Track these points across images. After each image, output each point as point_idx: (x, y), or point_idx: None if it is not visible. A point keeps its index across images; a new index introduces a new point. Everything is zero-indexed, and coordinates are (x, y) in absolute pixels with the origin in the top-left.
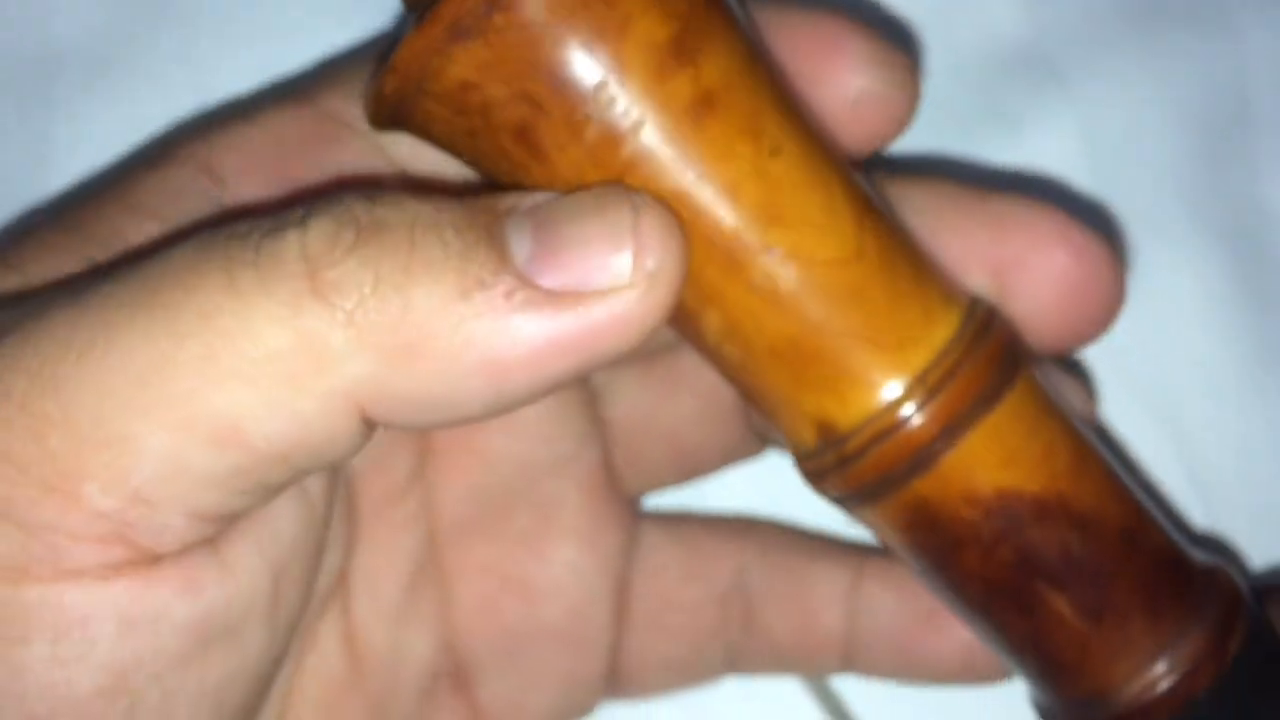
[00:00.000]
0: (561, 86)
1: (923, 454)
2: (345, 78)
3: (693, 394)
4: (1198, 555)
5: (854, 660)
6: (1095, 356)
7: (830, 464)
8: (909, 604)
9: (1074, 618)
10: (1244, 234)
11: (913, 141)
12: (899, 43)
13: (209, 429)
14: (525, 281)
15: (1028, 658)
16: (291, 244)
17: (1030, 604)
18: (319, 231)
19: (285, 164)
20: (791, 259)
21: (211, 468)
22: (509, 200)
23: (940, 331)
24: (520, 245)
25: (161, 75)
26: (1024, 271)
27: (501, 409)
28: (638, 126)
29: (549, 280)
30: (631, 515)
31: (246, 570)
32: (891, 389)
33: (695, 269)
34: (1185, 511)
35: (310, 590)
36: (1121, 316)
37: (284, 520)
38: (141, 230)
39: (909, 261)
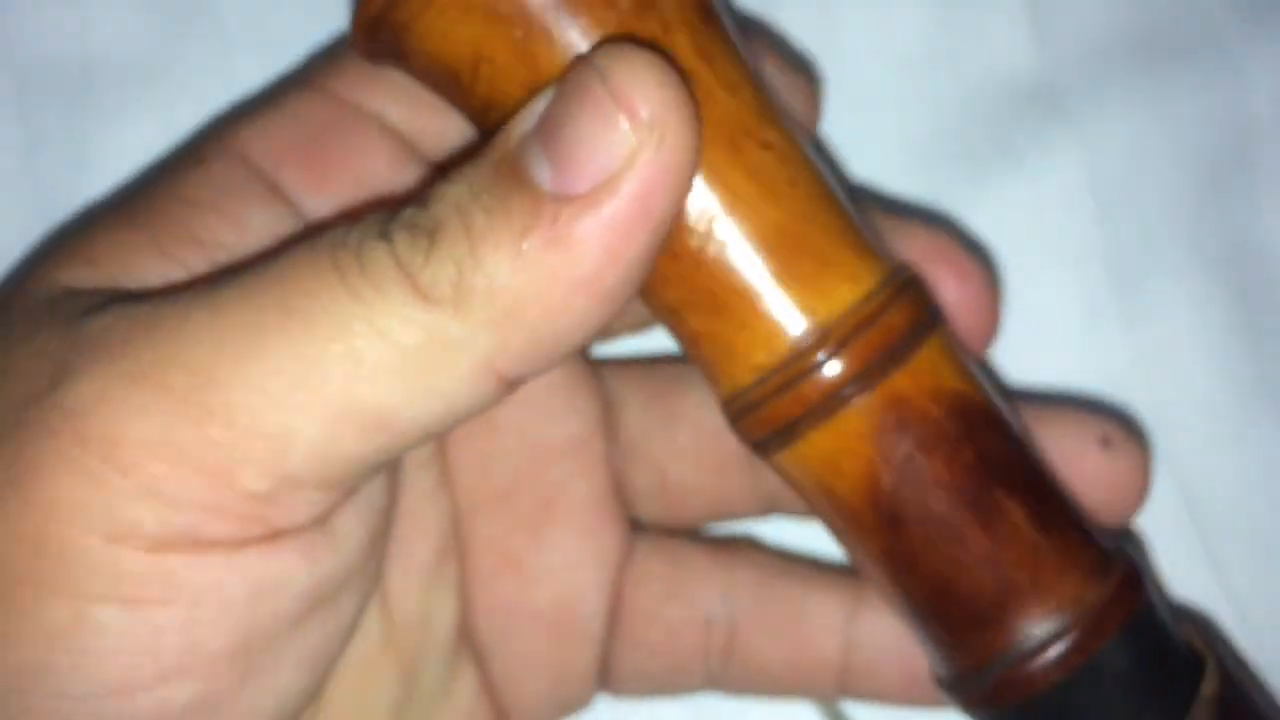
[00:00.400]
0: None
1: (898, 347)
2: (349, 62)
3: (691, 433)
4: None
5: (851, 687)
6: (1094, 385)
7: (809, 363)
8: None
9: (1028, 526)
10: (1244, 269)
11: (918, 172)
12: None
13: (360, 421)
14: (560, 201)
15: (976, 596)
16: (385, 256)
17: (990, 512)
18: (402, 244)
19: (312, 151)
20: (786, 156)
21: (360, 452)
22: (513, 134)
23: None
24: (541, 172)
25: (197, 82)
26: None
27: (616, 307)
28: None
29: (579, 186)
30: (628, 524)
31: (351, 539)
32: (870, 283)
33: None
34: (1182, 543)
35: (381, 560)
36: (1121, 347)
37: (378, 492)
38: (206, 224)
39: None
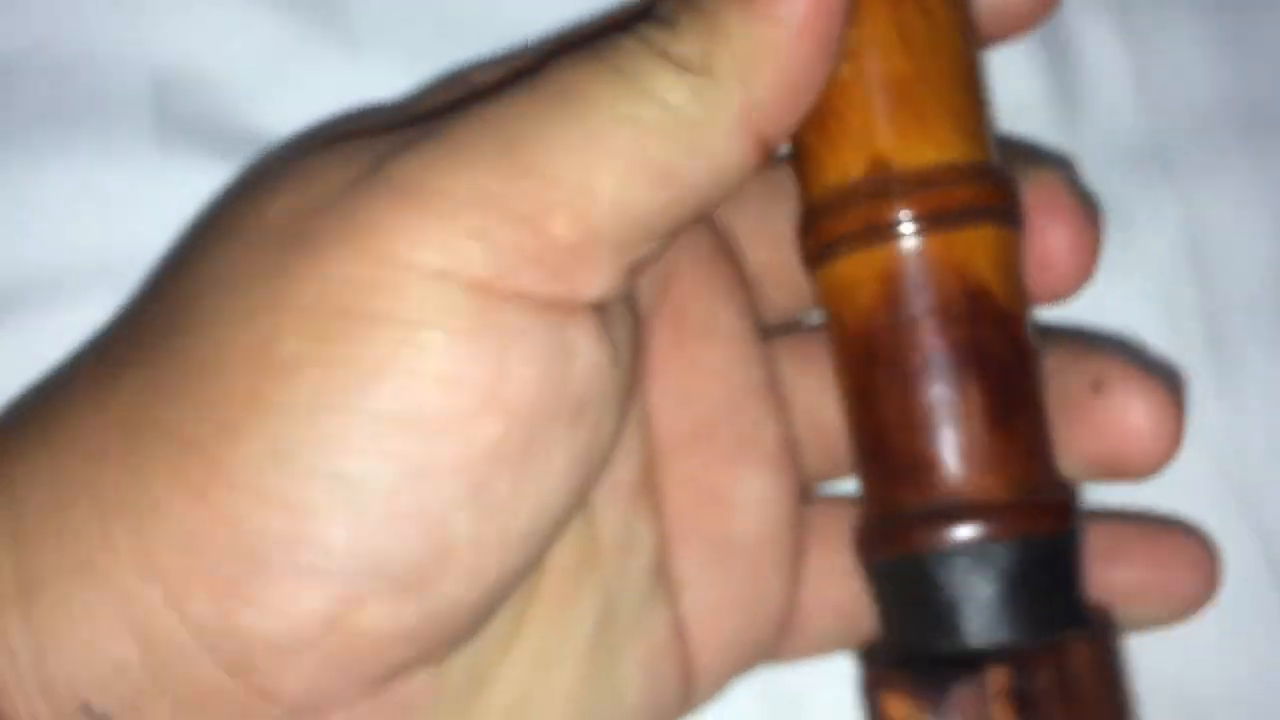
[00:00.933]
0: None
1: (949, 216)
2: None
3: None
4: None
5: None
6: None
7: (866, 193)
8: None
9: (980, 418)
10: None
11: None
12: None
13: (649, 173)
14: None
15: (907, 453)
16: (640, 45)
17: (953, 389)
18: (652, 33)
19: None
20: (938, 26)
21: (650, 206)
22: None
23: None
24: None
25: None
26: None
27: (830, 58)
28: None
29: None
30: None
31: (619, 345)
32: (954, 155)
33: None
34: (1260, 594)
35: (630, 399)
36: (1216, 412)
37: (630, 323)
38: None
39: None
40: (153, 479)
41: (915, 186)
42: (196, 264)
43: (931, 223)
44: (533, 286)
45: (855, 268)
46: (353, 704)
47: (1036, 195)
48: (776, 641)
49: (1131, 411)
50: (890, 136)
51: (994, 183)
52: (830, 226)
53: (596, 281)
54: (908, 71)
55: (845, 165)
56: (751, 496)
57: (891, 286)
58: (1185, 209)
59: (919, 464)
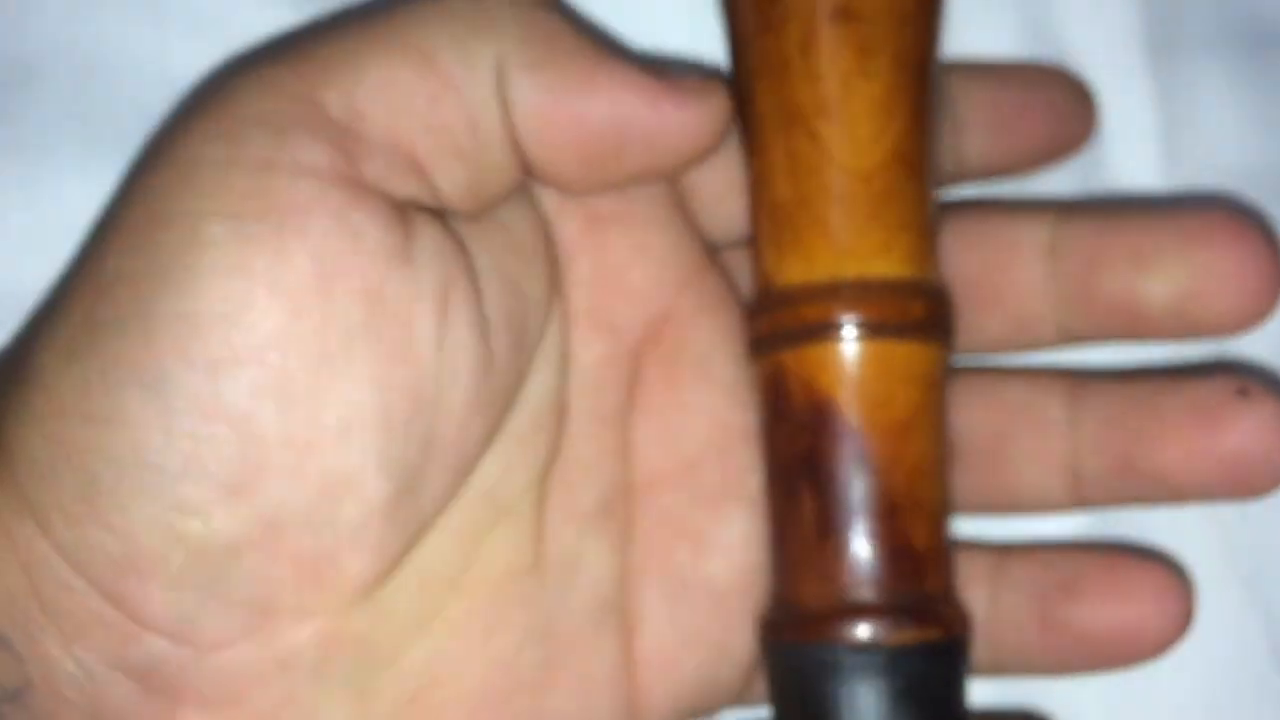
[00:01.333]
0: None
1: (806, 329)
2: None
3: None
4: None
5: (997, 653)
6: (1196, 523)
7: (755, 308)
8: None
9: (811, 521)
10: None
11: None
12: None
13: (413, 56)
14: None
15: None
16: None
17: (787, 494)
18: None
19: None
20: (823, 149)
21: (411, 90)
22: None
23: (895, 269)
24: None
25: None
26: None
27: (599, 150)
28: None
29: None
30: None
31: (435, 259)
32: (842, 267)
33: (763, 119)
34: (1269, 687)
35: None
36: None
37: (485, 268)
38: None
39: (907, 220)
40: (13, 417)
41: (780, 304)
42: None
43: (787, 340)
44: (316, 158)
45: (754, 370)
46: (233, 641)
47: (1208, 222)
48: (744, 687)
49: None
50: (773, 257)
51: (852, 299)
52: (755, 326)
53: (379, 163)
54: (791, 196)
55: (755, 277)
56: (729, 539)
57: (765, 395)
58: None
59: (770, 565)
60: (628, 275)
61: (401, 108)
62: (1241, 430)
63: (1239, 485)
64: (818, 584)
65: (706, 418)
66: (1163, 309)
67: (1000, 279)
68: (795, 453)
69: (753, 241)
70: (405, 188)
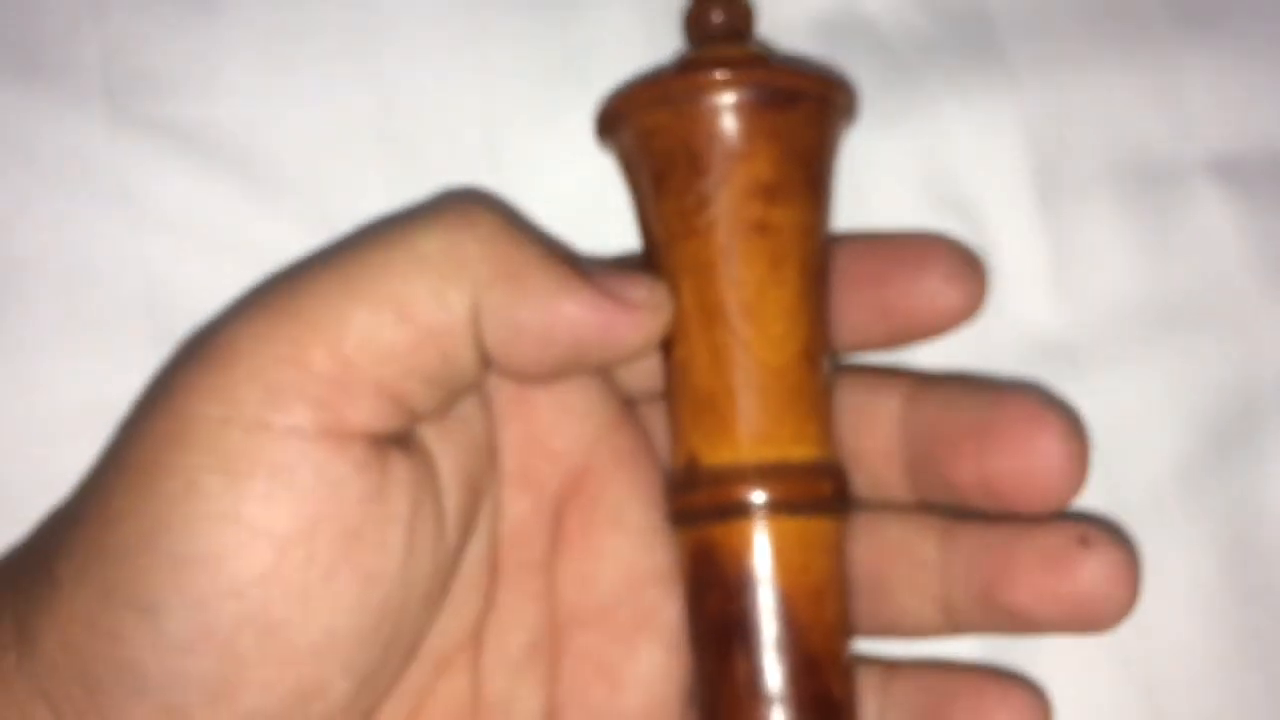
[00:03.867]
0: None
1: (736, 506)
2: None
3: None
4: None
5: None
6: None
7: (683, 484)
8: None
9: (745, 682)
10: (1238, 528)
11: None
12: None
13: (393, 308)
14: (583, 276)
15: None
16: (454, 205)
17: (721, 655)
18: (475, 206)
19: None
20: (744, 346)
21: (395, 340)
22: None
23: (808, 453)
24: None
25: None
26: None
27: (559, 364)
28: (718, 210)
29: (597, 284)
30: None
31: (401, 487)
32: (759, 455)
33: (686, 313)
34: None
35: (426, 545)
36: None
37: (419, 476)
38: None
39: (813, 408)
40: (36, 617)
41: (709, 483)
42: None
43: (717, 515)
44: (303, 419)
45: (680, 539)
46: None
47: (1017, 410)
48: None
49: (1116, 562)
50: (698, 438)
51: (775, 480)
52: (676, 501)
53: (362, 409)
54: (715, 385)
55: (677, 454)
56: (640, 673)
57: (694, 563)
58: (1092, 402)
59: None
60: (552, 436)
61: (384, 357)
62: (1082, 576)
63: (1084, 623)
64: None
65: (621, 562)
66: (979, 486)
67: (859, 445)
68: (728, 618)
69: (674, 418)
70: (385, 423)
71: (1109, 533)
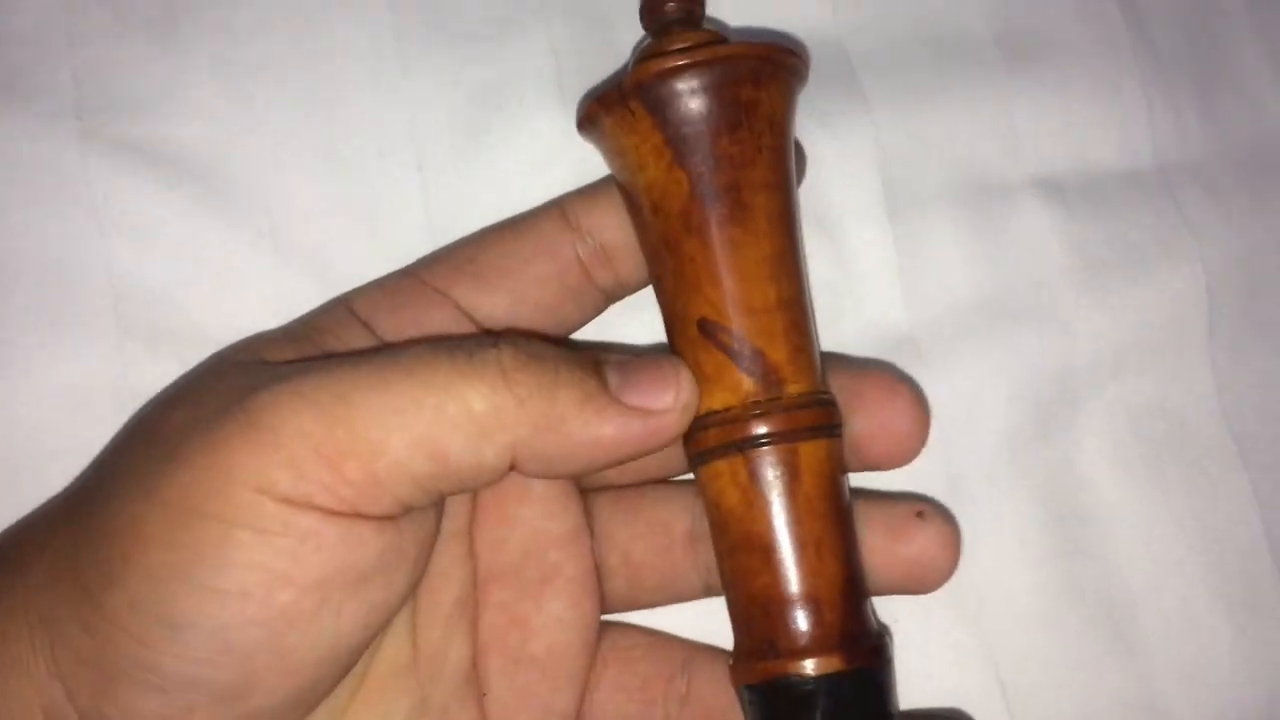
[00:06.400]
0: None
1: (750, 441)
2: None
3: (646, 521)
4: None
5: None
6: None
7: (705, 423)
8: None
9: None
10: (1056, 492)
11: None
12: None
13: (428, 448)
14: (616, 399)
15: (755, 599)
16: (492, 357)
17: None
18: (509, 354)
19: (403, 314)
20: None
21: (420, 472)
22: (602, 356)
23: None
24: (613, 379)
25: None
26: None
27: (590, 470)
28: (697, 179)
29: (630, 400)
30: (602, 600)
31: (408, 538)
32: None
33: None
34: (991, 712)
35: (423, 569)
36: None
37: (429, 521)
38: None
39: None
40: (62, 608)
41: (718, 422)
42: (118, 451)
43: (737, 445)
44: (327, 505)
45: (713, 470)
46: None
47: (877, 380)
48: None
49: (943, 533)
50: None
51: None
52: (698, 439)
53: (377, 510)
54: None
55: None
56: (548, 621)
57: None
58: (934, 388)
59: (772, 608)
60: None
61: (411, 482)
62: (918, 543)
63: (916, 583)
64: (824, 614)
65: (526, 527)
66: (848, 445)
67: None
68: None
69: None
70: (405, 510)
71: (939, 509)
